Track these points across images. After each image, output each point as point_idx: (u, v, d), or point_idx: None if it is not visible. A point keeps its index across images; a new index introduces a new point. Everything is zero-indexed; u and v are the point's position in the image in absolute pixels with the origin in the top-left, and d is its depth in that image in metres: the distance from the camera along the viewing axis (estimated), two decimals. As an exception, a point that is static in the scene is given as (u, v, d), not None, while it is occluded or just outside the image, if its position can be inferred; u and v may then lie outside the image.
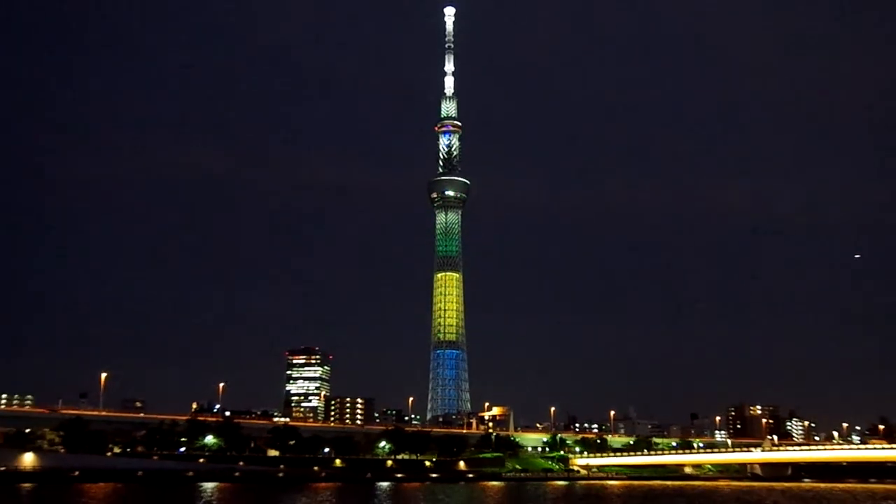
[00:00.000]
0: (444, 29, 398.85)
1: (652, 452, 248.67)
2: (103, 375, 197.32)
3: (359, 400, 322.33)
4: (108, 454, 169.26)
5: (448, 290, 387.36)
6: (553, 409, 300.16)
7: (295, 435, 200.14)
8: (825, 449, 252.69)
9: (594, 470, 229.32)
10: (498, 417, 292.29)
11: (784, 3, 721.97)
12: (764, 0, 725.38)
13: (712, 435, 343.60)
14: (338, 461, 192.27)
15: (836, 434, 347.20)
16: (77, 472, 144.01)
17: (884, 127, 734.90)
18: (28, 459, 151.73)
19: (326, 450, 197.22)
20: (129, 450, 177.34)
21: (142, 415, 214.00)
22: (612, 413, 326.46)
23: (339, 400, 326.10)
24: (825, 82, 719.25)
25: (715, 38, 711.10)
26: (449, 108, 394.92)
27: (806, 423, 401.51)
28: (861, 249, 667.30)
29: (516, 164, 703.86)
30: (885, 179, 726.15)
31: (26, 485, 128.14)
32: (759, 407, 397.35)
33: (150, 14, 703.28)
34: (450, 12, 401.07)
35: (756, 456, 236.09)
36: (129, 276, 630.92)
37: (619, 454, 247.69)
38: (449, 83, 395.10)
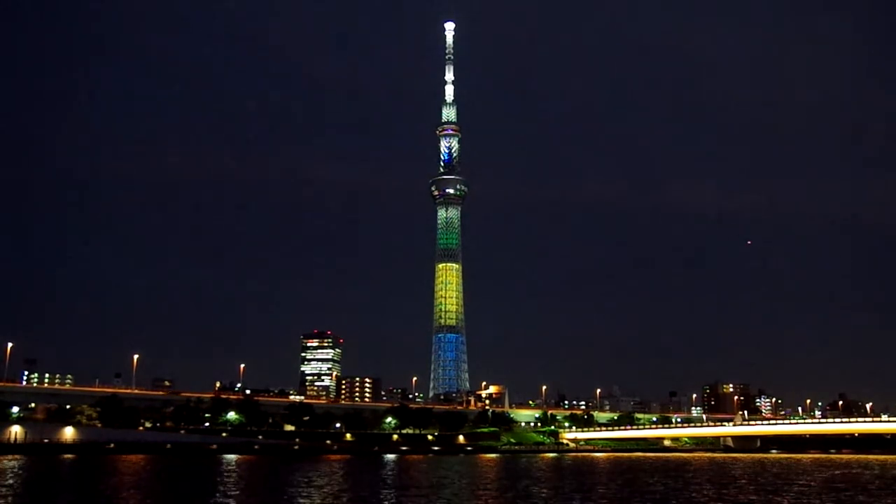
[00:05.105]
0: (445, 42, 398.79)
1: (634, 427, 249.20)
2: (135, 357, 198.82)
3: (367, 379, 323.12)
4: (140, 428, 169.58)
5: (448, 279, 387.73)
6: (544, 387, 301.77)
7: (309, 411, 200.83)
8: (790, 423, 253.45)
9: (582, 443, 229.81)
10: (494, 395, 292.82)
11: (756, 12, 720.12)
12: (738, 8, 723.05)
13: (689, 411, 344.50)
14: (348, 435, 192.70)
15: (800, 409, 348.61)
16: (112, 445, 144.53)
17: (845, 131, 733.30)
18: (68, 433, 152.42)
19: (338, 425, 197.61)
20: (158, 424, 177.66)
21: (170, 393, 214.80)
22: (598, 391, 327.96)
23: (349, 379, 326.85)
24: (793, 85, 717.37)
25: (701, 47, 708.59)
26: (449, 113, 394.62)
27: (773, 399, 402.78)
28: (825, 243, 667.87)
29: (510, 163, 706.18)
30: (843, 180, 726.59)
31: (67, 456, 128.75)
32: (731, 385, 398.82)
33: (160, 18, 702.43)
34: (449, 27, 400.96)
35: (728, 430, 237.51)
36: (157, 268, 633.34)
37: (604, 429, 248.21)
38: (449, 91, 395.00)
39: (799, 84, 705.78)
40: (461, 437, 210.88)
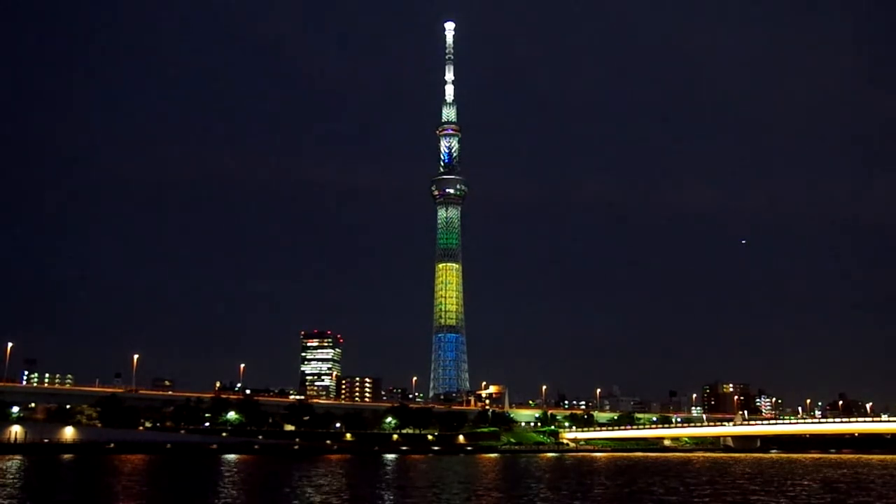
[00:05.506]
0: (445, 42, 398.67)
1: (634, 427, 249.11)
2: (135, 357, 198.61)
3: (367, 379, 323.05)
4: (140, 428, 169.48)
5: (448, 279, 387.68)
6: (544, 387, 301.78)
7: (309, 411, 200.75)
8: (790, 423, 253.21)
9: (582, 443, 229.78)
10: (494, 395, 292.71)
11: (756, 12, 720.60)
12: (732, 11, 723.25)
13: (689, 410, 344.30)
14: (348, 435, 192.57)
15: (800, 409, 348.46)
16: (112, 445, 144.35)
17: (845, 131, 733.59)
18: (69, 433, 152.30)
19: (338, 425, 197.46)
20: (158, 424, 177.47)
21: (170, 393, 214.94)
22: (598, 391, 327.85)
23: (349, 379, 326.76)
24: (793, 85, 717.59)
25: (698, 48, 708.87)
26: (449, 113, 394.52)
27: (773, 399, 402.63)
28: (827, 243, 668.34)
29: (510, 163, 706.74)
30: (843, 180, 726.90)
31: (67, 455, 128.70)
32: (731, 385, 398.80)
33: (160, 18, 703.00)
34: (450, 27, 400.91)
35: (728, 430, 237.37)
36: (157, 268, 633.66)
37: (604, 428, 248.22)
38: (449, 90, 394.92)
39: (799, 84, 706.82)
40: (461, 437, 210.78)
